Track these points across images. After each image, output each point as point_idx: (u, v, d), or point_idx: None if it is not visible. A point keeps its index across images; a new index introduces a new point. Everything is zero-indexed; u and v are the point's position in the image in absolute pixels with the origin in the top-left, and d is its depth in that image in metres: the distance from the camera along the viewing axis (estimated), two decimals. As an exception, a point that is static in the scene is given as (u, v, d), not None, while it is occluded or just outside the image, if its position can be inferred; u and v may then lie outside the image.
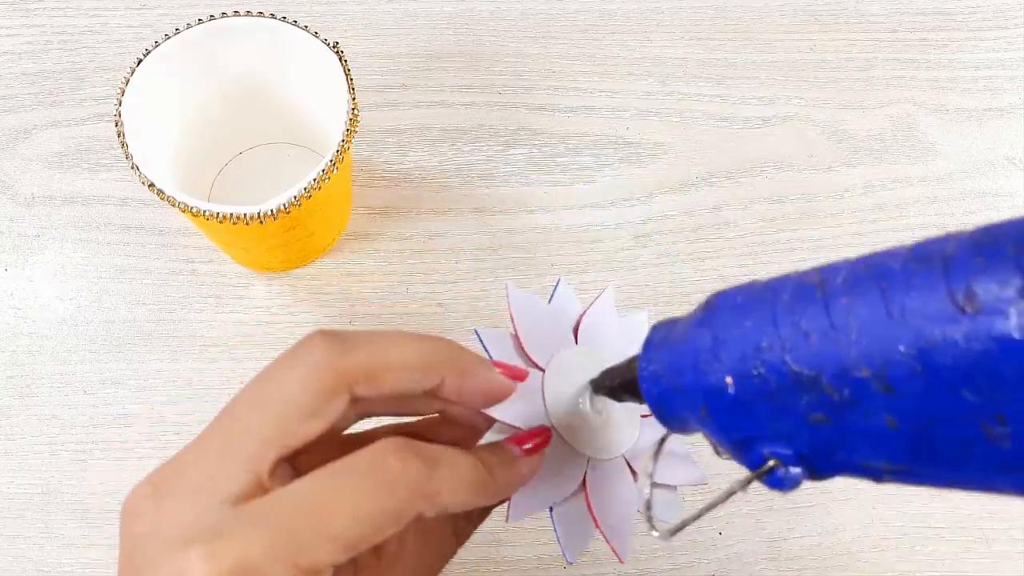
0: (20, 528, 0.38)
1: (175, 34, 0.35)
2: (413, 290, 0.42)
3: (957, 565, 0.40)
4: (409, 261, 0.43)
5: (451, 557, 0.26)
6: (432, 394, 0.24)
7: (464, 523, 0.26)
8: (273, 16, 0.36)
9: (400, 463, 0.21)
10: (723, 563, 0.39)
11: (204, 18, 0.35)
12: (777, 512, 0.40)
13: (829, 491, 0.40)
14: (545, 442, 0.26)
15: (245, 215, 0.33)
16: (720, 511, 0.40)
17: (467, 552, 0.39)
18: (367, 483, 0.21)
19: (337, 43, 0.35)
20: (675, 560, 0.39)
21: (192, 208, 0.33)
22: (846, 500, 0.40)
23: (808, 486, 0.40)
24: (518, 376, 0.25)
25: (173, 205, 0.33)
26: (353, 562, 0.24)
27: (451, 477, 0.22)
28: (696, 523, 0.39)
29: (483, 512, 0.27)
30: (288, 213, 0.34)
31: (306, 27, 0.35)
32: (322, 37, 0.35)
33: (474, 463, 0.23)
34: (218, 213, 0.33)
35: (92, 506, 0.39)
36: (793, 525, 0.40)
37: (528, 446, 0.25)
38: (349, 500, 0.20)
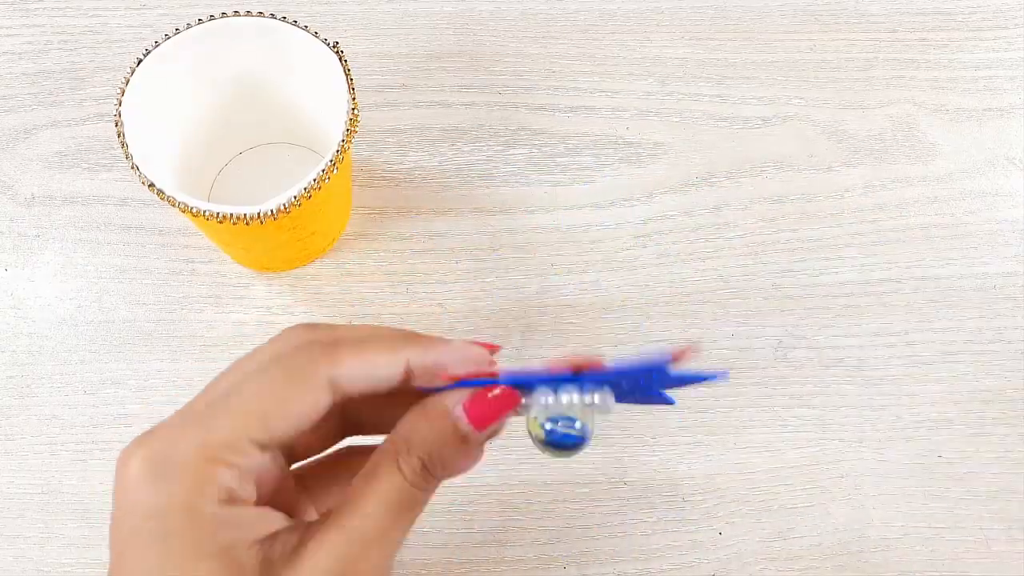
0: (20, 528, 0.38)
1: (175, 34, 0.35)
2: (413, 290, 0.42)
3: (957, 565, 0.40)
4: (409, 261, 0.43)
5: (415, 511, 0.25)
6: (407, 382, 0.25)
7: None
8: (273, 16, 0.36)
9: (301, 328, 0.25)
10: (723, 563, 0.39)
11: (204, 18, 0.35)
12: (777, 512, 0.40)
13: (829, 491, 0.40)
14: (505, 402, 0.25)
15: (245, 215, 0.33)
16: (720, 511, 0.40)
17: (467, 552, 0.39)
18: (268, 353, 0.25)
19: (337, 43, 0.35)
20: (675, 560, 0.39)
21: (192, 208, 0.33)
22: (846, 500, 0.40)
23: (808, 486, 0.40)
24: (487, 347, 0.26)
25: (173, 205, 0.33)
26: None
27: (352, 333, 0.25)
28: (696, 523, 0.39)
29: (449, 455, 0.25)
30: (288, 213, 0.34)
31: (306, 27, 0.35)
32: (322, 37, 0.35)
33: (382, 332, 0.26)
34: (218, 213, 0.33)
35: (92, 506, 0.39)
36: (793, 525, 0.40)
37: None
38: (257, 377, 0.24)
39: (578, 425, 0.26)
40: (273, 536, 0.23)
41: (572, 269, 0.43)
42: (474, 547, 0.39)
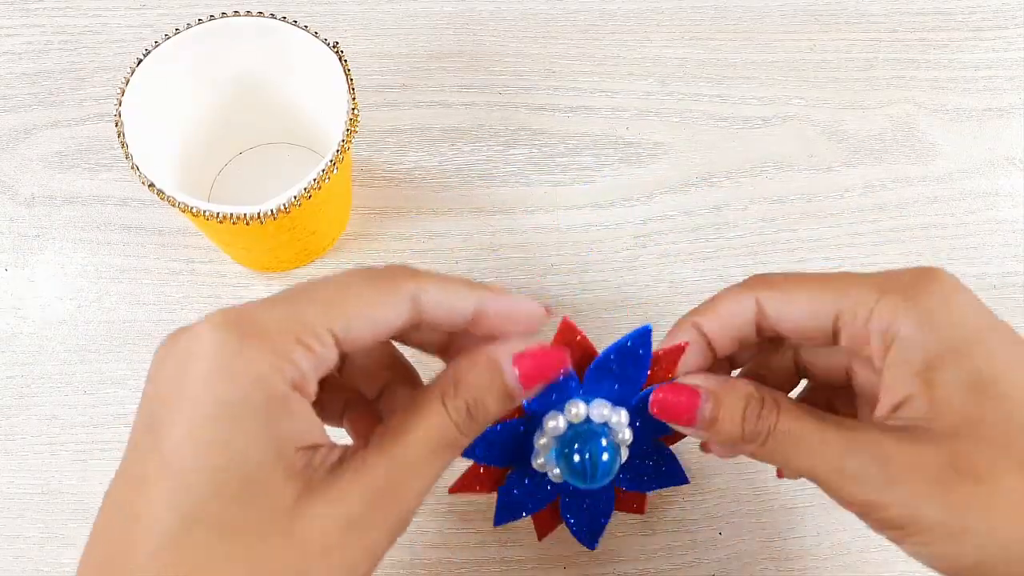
0: (20, 528, 0.38)
1: (175, 34, 0.35)
2: (413, 290, 0.42)
3: (957, 565, 0.40)
4: (409, 261, 0.43)
5: (454, 451, 0.25)
6: (475, 324, 0.26)
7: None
8: (273, 16, 0.36)
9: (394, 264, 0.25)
10: (723, 563, 0.39)
11: (204, 18, 0.35)
12: (777, 512, 0.40)
13: (829, 491, 0.40)
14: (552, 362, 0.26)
15: (245, 215, 0.33)
16: (720, 511, 0.40)
17: (467, 552, 0.39)
18: (358, 269, 0.25)
19: (337, 43, 0.35)
20: (675, 560, 0.39)
21: (192, 208, 0.33)
22: (846, 500, 0.40)
23: (808, 485, 0.40)
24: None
25: (173, 205, 0.33)
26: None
27: (437, 275, 0.25)
28: (696, 523, 0.39)
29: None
30: (288, 213, 0.34)
31: (306, 27, 0.35)
32: (322, 37, 0.35)
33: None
34: (218, 213, 0.33)
35: (92, 506, 0.38)
36: (793, 525, 0.40)
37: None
38: (345, 280, 0.25)
39: (604, 443, 0.27)
40: (315, 447, 0.23)
41: (572, 269, 0.43)
42: (474, 547, 0.39)
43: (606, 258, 0.43)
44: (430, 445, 0.24)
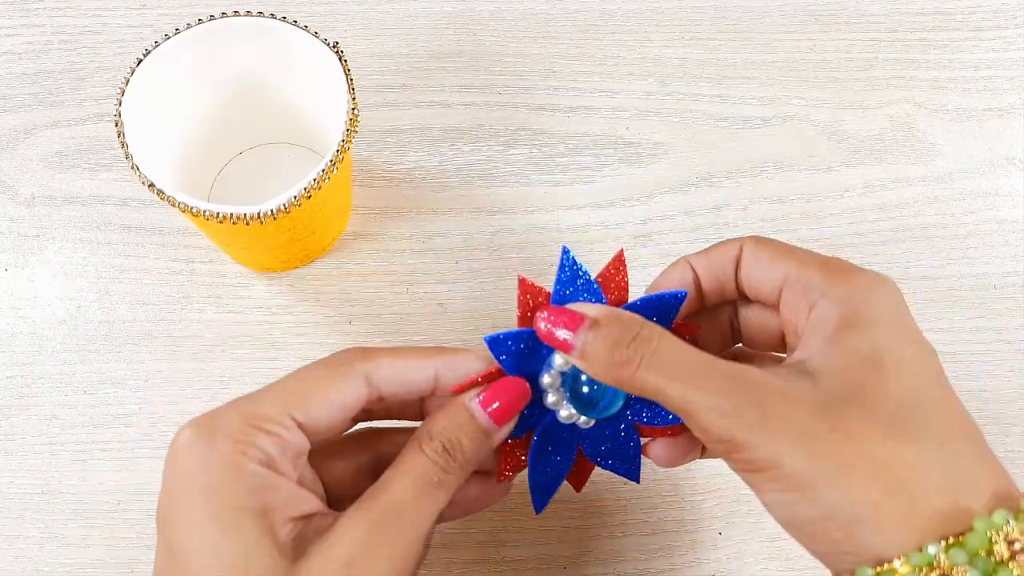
0: (20, 528, 0.38)
1: (175, 34, 0.35)
2: (413, 290, 0.42)
3: (957, 565, 0.40)
4: (409, 261, 0.43)
5: (439, 492, 0.27)
6: (435, 391, 0.28)
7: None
8: (273, 16, 0.36)
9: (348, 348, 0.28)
10: (723, 563, 0.39)
11: (204, 18, 0.35)
12: (777, 512, 0.40)
13: (829, 491, 0.40)
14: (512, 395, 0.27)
15: (245, 215, 0.33)
16: (720, 511, 0.40)
17: (467, 552, 0.39)
18: (319, 367, 0.27)
19: (337, 43, 0.35)
20: (675, 560, 0.39)
21: (192, 208, 0.33)
22: (846, 500, 0.40)
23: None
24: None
25: (173, 205, 0.33)
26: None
27: (391, 350, 0.28)
28: (696, 523, 0.39)
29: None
30: (288, 213, 0.34)
31: (306, 27, 0.35)
32: (322, 37, 0.35)
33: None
34: (218, 213, 0.33)
35: (92, 506, 0.39)
36: (793, 525, 0.40)
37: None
38: (301, 371, 0.27)
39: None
40: (309, 516, 0.25)
41: (572, 269, 0.43)
42: (474, 547, 0.39)
43: (606, 258, 0.43)
44: (415, 485, 0.26)
